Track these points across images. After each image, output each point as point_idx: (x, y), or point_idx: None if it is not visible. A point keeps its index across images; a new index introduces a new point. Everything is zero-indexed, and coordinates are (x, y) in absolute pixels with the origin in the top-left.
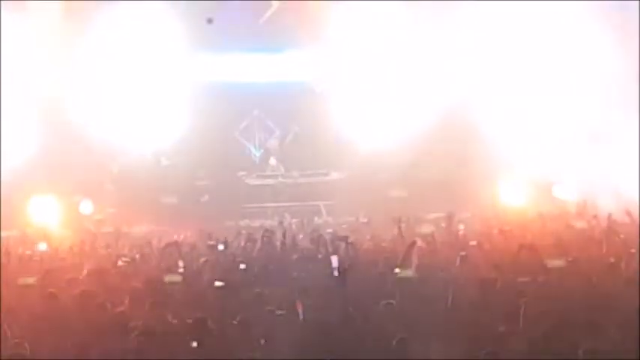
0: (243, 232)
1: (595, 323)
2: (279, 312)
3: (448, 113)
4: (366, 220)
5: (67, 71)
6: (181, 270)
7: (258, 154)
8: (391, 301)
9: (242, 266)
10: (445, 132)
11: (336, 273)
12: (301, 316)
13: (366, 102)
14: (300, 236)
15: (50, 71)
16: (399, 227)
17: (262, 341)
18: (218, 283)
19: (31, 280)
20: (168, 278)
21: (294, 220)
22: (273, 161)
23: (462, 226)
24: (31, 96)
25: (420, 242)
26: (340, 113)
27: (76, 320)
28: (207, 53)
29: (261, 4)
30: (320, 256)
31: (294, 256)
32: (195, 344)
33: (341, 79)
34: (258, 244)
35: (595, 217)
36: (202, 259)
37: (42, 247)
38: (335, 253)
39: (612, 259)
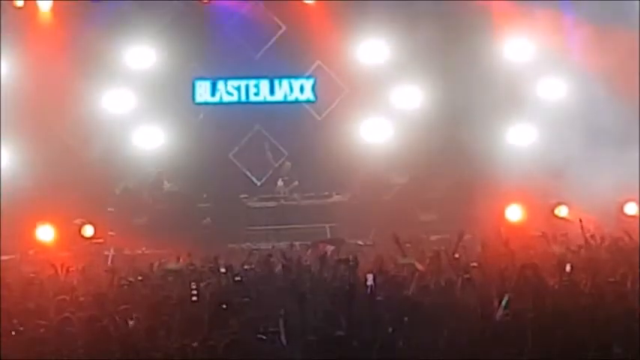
0: (255, 252)
1: (598, 343)
2: (277, 333)
3: (450, 135)
4: (371, 243)
5: (68, 95)
6: (195, 293)
7: (260, 177)
8: (394, 324)
9: (237, 278)
10: (447, 154)
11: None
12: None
13: (369, 125)
14: (304, 258)
15: (51, 96)
16: (401, 247)
17: None
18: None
19: (33, 304)
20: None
21: (297, 243)
22: (280, 183)
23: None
24: (32, 120)
25: (419, 266)
26: (342, 136)
27: (78, 343)
28: (209, 77)
29: (266, 28)
30: (322, 277)
31: (295, 278)
32: None
33: (343, 101)
34: (261, 266)
35: (593, 236)
36: (204, 282)
37: (44, 270)
38: (336, 275)
39: (616, 279)
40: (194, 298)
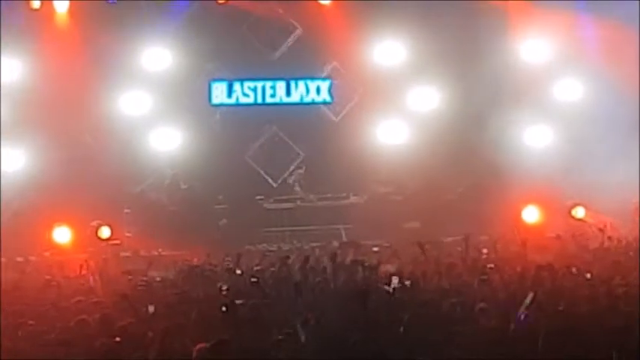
0: (268, 254)
1: (615, 344)
2: (295, 335)
3: (466, 136)
4: (388, 245)
5: (85, 96)
6: (225, 293)
7: (276, 178)
8: (408, 325)
9: (253, 279)
10: (463, 155)
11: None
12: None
13: (385, 126)
14: (321, 260)
15: (68, 98)
16: (423, 250)
17: None
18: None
19: (50, 306)
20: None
21: (314, 244)
22: (297, 187)
23: (485, 250)
24: (48, 122)
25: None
26: (359, 137)
27: (95, 345)
28: (225, 78)
29: (282, 29)
30: (339, 279)
31: (315, 279)
32: None
33: (360, 102)
34: (277, 268)
35: (610, 238)
36: (220, 283)
37: (61, 272)
38: (352, 276)
39: (632, 280)
40: (223, 309)
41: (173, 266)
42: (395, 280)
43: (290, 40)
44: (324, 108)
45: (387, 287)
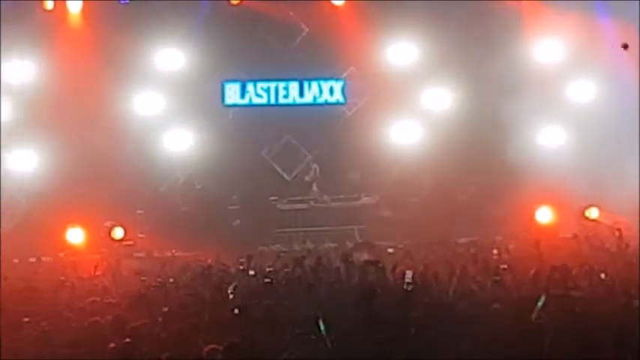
0: (282, 255)
1: (627, 344)
2: (306, 335)
3: (480, 136)
4: (402, 246)
5: (98, 97)
6: (231, 295)
7: (289, 179)
8: (420, 325)
9: (267, 280)
10: (478, 155)
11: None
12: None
13: (398, 126)
14: (334, 261)
15: (81, 99)
16: (434, 252)
17: None
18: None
19: (64, 306)
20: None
21: (328, 245)
22: (315, 187)
23: (495, 251)
24: (62, 123)
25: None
26: (372, 137)
27: (108, 345)
28: (239, 79)
29: (295, 30)
30: (351, 279)
31: (326, 280)
32: None
33: (373, 103)
34: (290, 269)
35: (623, 238)
36: (231, 285)
37: (75, 272)
38: (365, 277)
39: None
40: (236, 311)
41: (187, 267)
42: (409, 273)
43: (303, 41)
44: (337, 109)
45: (406, 279)
